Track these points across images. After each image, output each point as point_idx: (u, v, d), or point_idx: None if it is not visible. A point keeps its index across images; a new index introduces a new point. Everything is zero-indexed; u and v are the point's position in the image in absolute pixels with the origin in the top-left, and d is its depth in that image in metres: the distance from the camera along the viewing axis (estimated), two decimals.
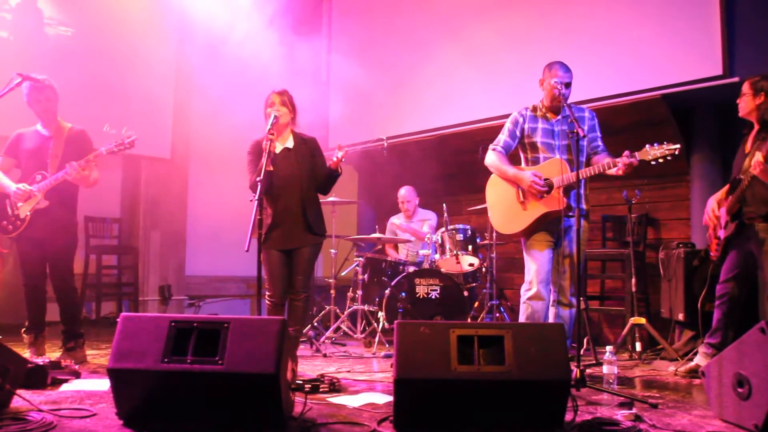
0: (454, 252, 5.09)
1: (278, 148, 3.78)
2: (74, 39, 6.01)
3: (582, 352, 4.09)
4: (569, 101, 3.60)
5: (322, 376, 3.31)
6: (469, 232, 5.31)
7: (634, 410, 2.66)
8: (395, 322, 2.50)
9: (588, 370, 3.56)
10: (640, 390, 3.36)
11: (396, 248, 6.14)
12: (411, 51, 6.76)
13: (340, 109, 7.05)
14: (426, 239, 5.44)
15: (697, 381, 3.55)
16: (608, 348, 3.38)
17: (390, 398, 2.72)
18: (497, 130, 3.86)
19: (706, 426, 2.51)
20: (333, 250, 5.75)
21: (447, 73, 6.41)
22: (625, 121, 5.22)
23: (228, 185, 6.13)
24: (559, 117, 3.67)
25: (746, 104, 3.57)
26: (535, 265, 3.58)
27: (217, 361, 2.32)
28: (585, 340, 4.59)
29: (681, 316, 4.44)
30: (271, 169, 3.54)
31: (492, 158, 3.74)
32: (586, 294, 5.13)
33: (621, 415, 2.59)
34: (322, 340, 5.10)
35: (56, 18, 5.95)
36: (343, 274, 6.03)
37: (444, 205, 5.46)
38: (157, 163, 6.66)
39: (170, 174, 6.78)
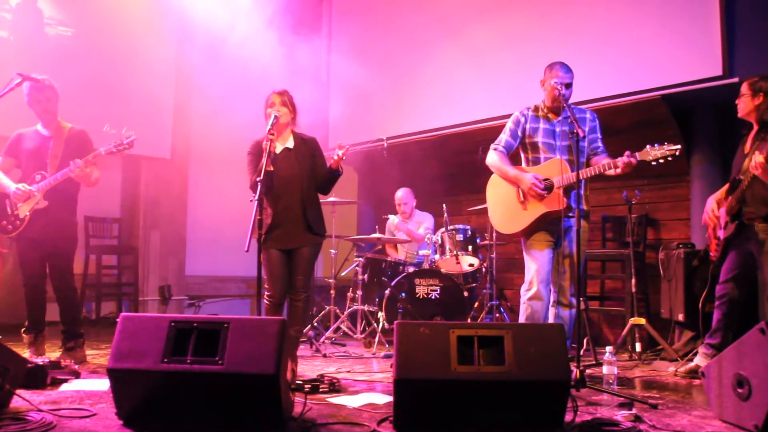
0: (454, 252, 5.09)
1: (278, 148, 3.78)
2: (74, 39, 6.01)
3: (582, 352, 4.09)
4: (570, 102, 3.60)
5: (322, 376, 3.30)
6: (469, 232, 5.31)
7: (633, 411, 2.66)
8: (395, 322, 2.50)
9: (588, 371, 3.56)
10: (639, 390, 3.36)
11: (395, 248, 6.14)
12: (411, 51, 6.76)
13: (340, 109, 7.06)
14: (426, 239, 5.44)
15: (697, 381, 3.55)
16: (608, 348, 3.38)
17: (390, 398, 2.72)
18: (497, 130, 3.86)
19: (706, 426, 2.51)
20: (333, 251, 5.75)
21: (447, 73, 6.41)
22: (625, 122, 5.23)
23: (228, 185, 6.14)
24: (561, 117, 3.67)
25: (745, 105, 3.57)
26: (536, 265, 3.58)
27: (217, 361, 2.32)
28: (585, 341, 4.59)
29: (681, 317, 4.44)
30: (272, 169, 3.54)
31: (493, 158, 3.74)
32: (586, 294, 5.13)
33: (621, 415, 2.59)
34: (321, 340, 5.11)
35: (56, 18, 5.95)
36: (343, 274, 6.03)
37: (444, 205, 5.46)
38: (157, 163, 6.67)
39: (170, 174, 6.78)
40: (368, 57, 6.90)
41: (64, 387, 3.07)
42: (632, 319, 4.45)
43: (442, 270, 5.14)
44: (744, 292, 3.59)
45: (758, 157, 3.25)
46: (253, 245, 3.27)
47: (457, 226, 5.34)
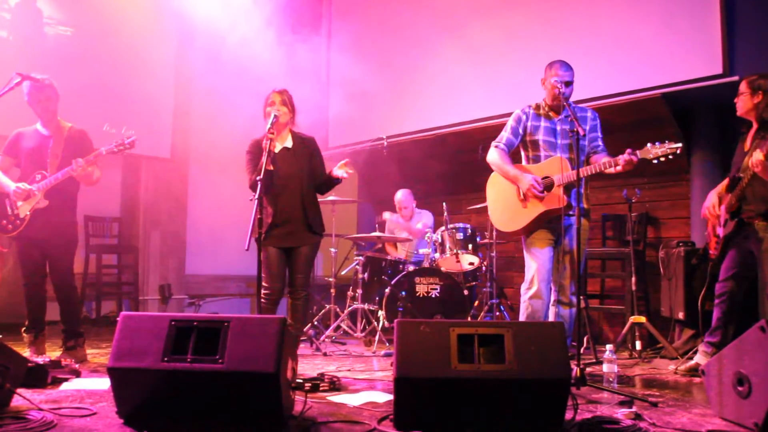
0: (455, 251, 5.09)
1: (277, 148, 3.79)
2: (74, 39, 6.01)
3: (582, 350, 4.09)
4: (572, 98, 3.60)
5: (322, 374, 3.31)
6: (469, 230, 5.31)
7: (634, 409, 2.66)
8: (395, 320, 2.50)
9: (588, 369, 3.56)
10: (640, 388, 3.36)
11: (395, 247, 6.15)
12: (411, 50, 6.76)
13: (340, 108, 7.06)
14: (426, 237, 5.44)
15: (697, 379, 3.56)
16: (608, 347, 3.38)
17: (390, 397, 2.72)
18: (497, 129, 3.86)
19: (706, 424, 2.51)
20: (333, 249, 5.75)
21: (447, 72, 6.41)
22: (626, 120, 5.23)
23: (228, 184, 6.14)
24: (562, 116, 3.67)
25: (744, 103, 3.56)
26: (536, 263, 3.58)
27: (217, 360, 2.32)
28: (585, 339, 4.59)
29: (681, 315, 4.45)
30: (272, 168, 3.54)
31: (494, 156, 3.73)
32: (586, 293, 5.13)
33: (621, 413, 2.59)
34: (322, 338, 5.11)
35: (56, 17, 5.95)
36: (343, 273, 6.03)
37: (444, 203, 5.47)
38: (157, 162, 6.67)
39: (170, 173, 6.78)
40: (368, 56, 6.90)
41: (64, 386, 3.07)
42: (632, 317, 4.45)
43: (443, 268, 5.14)
44: (743, 290, 3.59)
45: (758, 155, 3.25)
46: (253, 244, 3.27)
47: (457, 225, 5.34)
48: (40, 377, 3.02)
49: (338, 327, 5.35)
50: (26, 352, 3.80)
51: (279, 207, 3.74)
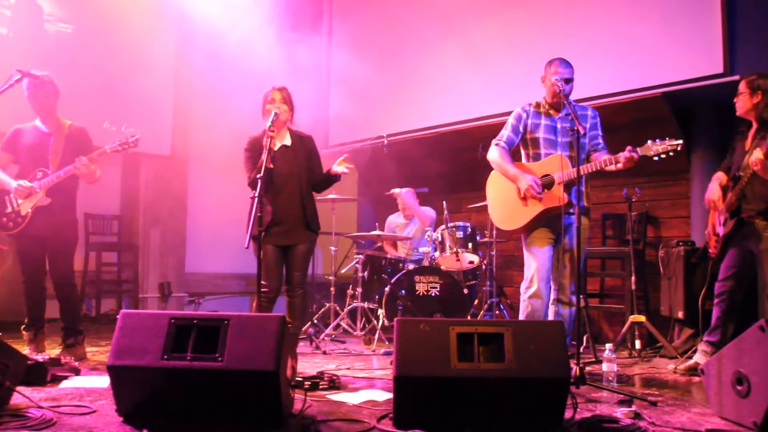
0: (454, 249, 5.09)
1: (276, 146, 3.78)
2: (74, 35, 6.00)
3: (582, 349, 4.09)
4: (572, 97, 3.60)
5: (322, 373, 3.31)
6: (469, 229, 5.31)
7: (633, 408, 2.66)
8: (395, 319, 2.50)
9: (587, 368, 3.56)
10: (639, 388, 3.36)
11: (395, 246, 6.14)
12: (411, 48, 6.76)
13: (341, 106, 7.06)
14: (426, 236, 5.44)
15: (696, 379, 3.56)
16: (608, 346, 3.38)
17: (390, 395, 2.72)
18: (497, 127, 3.86)
19: (705, 423, 2.51)
20: (333, 248, 5.75)
21: (447, 70, 6.41)
22: (626, 119, 5.22)
23: (228, 182, 6.12)
24: (562, 114, 3.66)
25: (743, 103, 3.56)
26: (536, 262, 3.58)
27: (217, 358, 2.32)
28: (585, 338, 4.59)
29: (680, 314, 4.45)
30: (272, 166, 3.54)
31: (494, 154, 3.73)
32: (586, 292, 5.13)
33: (620, 412, 2.60)
34: (321, 337, 5.11)
35: (56, 14, 5.94)
36: (343, 271, 6.03)
37: (444, 202, 5.46)
38: (156, 160, 6.66)
39: (170, 171, 6.77)
40: (368, 54, 6.89)
41: (64, 384, 3.07)
42: (632, 316, 4.45)
43: (442, 267, 5.14)
44: (743, 290, 3.59)
45: (758, 154, 3.25)
46: (252, 242, 3.27)
47: (457, 224, 5.33)
48: (39, 375, 3.02)
49: (338, 325, 5.35)
50: (26, 350, 3.80)
51: (278, 205, 3.73)
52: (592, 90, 5.10)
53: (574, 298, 3.57)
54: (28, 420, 2.32)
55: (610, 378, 3.28)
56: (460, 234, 5.25)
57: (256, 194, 3.23)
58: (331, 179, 3.87)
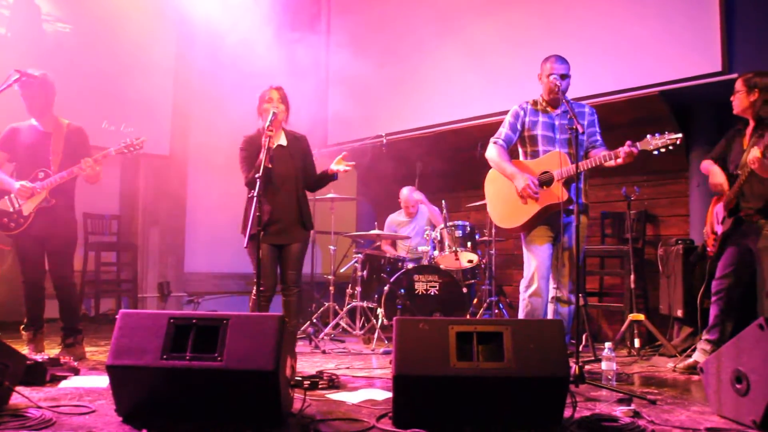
0: (453, 248, 5.09)
1: (273, 145, 3.78)
2: (72, 35, 5.99)
3: (581, 348, 4.08)
4: (569, 94, 3.59)
5: (321, 372, 3.31)
6: (468, 228, 5.31)
7: (632, 406, 2.67)
8: (394, 318, 2.50)
9: (587, 367, 3.55)
10: (638, 386, 3.36)
11: (393, 246, 6.14)
12: (410, 47, 6.75)
13: (340, 105, 7.05)
14: (425, 236, 5.45)
15: (695, 377, 3.56)
16: (607, 344, 3.38)
17: (389, 394, 2.72)
18: (496, 126, 3.86)
19: (704, 422, 2.51)
20: (332, 247, 5.75)
21: (446, 69, 6.41)
22: (624, 118, 5.22)
23: (227, 182, 6.11)
24: (559, 111, 3.67)
25: (740, 102, 3.56)
26: (536, 260, 3.58)
27: (216, 357, 2.32)
28: (584, 337, 4.59)
29: (680, 313, 4.45)
30: (270, 165, 3.54)
31: (492, 152, 3.73)
32: (585, 290, 5.13)
33: (620, 411, 2.60)
34: (321, 336, 5.11)
35: (54, 14, 5.92)
36: (342, 270, 6.03)
37: (443, 201, 5.46)
38: (155, 159, 6.65)
39: (169, 171, 6.76)
40: (367, 54, 6.89)
41: (63, 384, 3.07)
42: (631, 315, 4.46)
43: (441, 266, 5.14)
44: (741, 288, 3.59)
45: (755, 152, 3.25)
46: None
47: (456, 223, 5.33)
48: (38, 375, 3.02)
49: (337, 325, 5.35)
50: (25, 350, 3.79)
51: (275, 204, 3.73)
52: (591, 88, 5.10)
53: (572, 297, 3.58)
54: (28, 420, 2.32)
55: (610, 376, 3.28)
56: (459, 233, 5.25)
57: (255, 194, 3.23)
58: (327, 178, 3.88)
